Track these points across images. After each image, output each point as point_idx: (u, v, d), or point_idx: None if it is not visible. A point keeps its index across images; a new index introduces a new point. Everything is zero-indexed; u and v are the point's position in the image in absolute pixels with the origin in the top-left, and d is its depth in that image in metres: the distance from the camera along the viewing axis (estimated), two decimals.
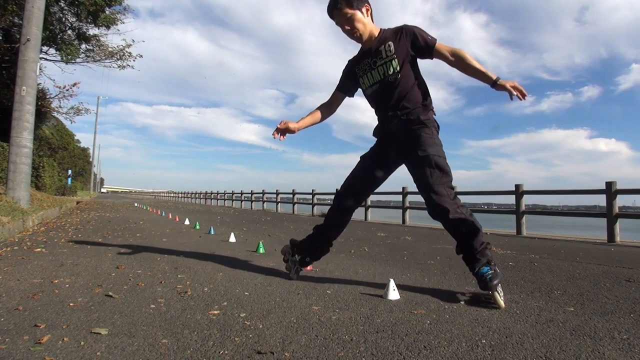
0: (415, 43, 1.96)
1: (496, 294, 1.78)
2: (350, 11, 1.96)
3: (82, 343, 1.21)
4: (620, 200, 5.89)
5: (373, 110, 2.15)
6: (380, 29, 2.06)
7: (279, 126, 2.06)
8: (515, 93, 1.80)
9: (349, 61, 2.18)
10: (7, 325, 1.35)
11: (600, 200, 6.09)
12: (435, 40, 1.97)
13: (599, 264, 3.11)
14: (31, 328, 1.32)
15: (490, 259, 1.90)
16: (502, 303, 1.75)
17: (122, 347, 1.18)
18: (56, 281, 2.02)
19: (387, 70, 1.97)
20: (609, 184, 5.93)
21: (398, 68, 1.96)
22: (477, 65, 1.91)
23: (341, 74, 2.22)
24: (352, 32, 2.01)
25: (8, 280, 2.01)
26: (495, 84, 1.85)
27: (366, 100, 2.18)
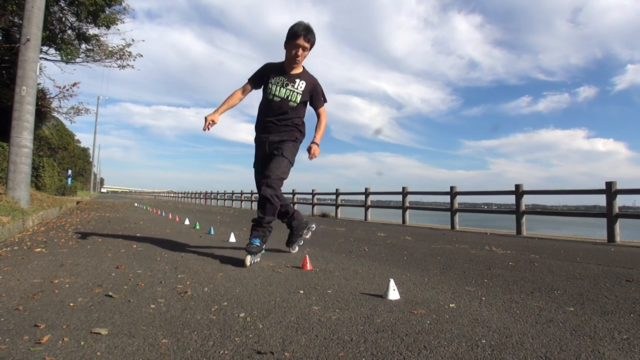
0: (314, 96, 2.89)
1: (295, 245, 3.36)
2: (308, 45, 2.71)
3: (82, 343, 1.21)
4: (620, 200, 5.90)
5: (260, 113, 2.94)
6: (304, 68, 2.87)
7: (207, 125, 2.75)
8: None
9: (266, 65, 2.89)
10: (7, 325, 1.35)
11: (600, 200, 6.09)
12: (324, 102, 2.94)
13: (599, 264, 3.11)
14: (31, 328, 1.32)
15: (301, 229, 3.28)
16: (295, 250, 3.35)
17: (122, 347, 1.18)
18: (56, 281, 2.02)
19: (291, 96, 2.80)
20: (609, 184, 5.93)
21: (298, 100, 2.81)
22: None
23: (257, 71, 2.91)
24: (299, 56, 2.74)
25: (8, 280, 2.01)
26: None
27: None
